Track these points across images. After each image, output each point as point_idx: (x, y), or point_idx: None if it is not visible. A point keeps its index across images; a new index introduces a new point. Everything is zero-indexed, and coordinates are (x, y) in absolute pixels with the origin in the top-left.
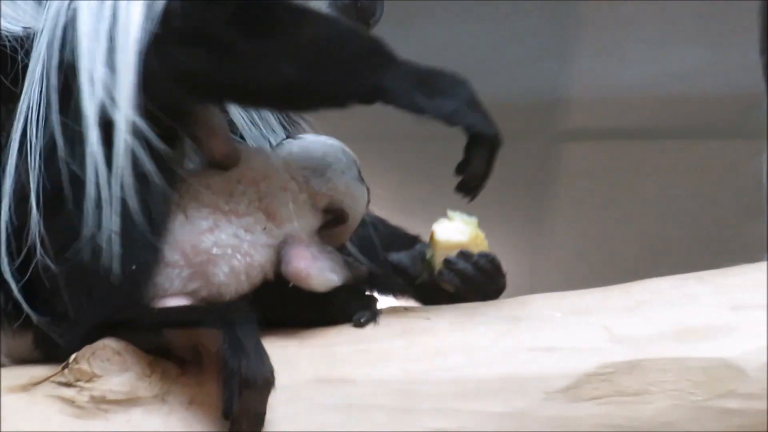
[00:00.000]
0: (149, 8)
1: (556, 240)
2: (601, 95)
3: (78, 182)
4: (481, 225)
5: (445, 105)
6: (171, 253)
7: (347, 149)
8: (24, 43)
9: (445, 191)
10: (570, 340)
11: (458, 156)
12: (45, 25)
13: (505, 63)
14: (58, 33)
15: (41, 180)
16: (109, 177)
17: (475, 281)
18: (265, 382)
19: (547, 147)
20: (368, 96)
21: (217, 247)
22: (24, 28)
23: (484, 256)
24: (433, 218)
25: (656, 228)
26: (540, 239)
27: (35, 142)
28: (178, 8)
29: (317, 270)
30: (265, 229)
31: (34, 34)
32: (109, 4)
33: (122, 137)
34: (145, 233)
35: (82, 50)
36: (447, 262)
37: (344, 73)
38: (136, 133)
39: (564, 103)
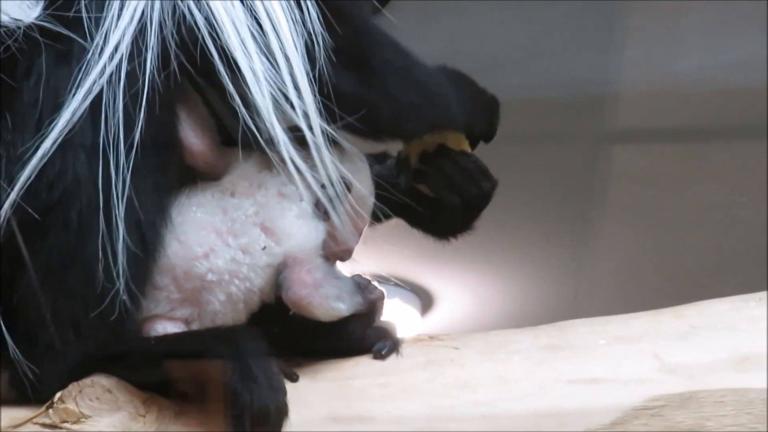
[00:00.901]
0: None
1: (602, 255)
2: (652, 90)
3: (67, 204)
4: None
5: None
6: (160, 277)
7: None
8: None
9: None
10: (615, 370)
11: None
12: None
13: (542, 54)
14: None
15: (27, 200)
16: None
17: (453, 179)
18: (278, 412)
19: (591, 149)
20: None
21: (212, 274)
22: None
23: (464, 154)
24: None
25: (717, 241)
26: (584, 255)
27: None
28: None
29: (320, 298)
30: (264, 248)
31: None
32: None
33: (313, 129)
34: (140, 260)
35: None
36: (424, 156)
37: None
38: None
39: (610, 100)
